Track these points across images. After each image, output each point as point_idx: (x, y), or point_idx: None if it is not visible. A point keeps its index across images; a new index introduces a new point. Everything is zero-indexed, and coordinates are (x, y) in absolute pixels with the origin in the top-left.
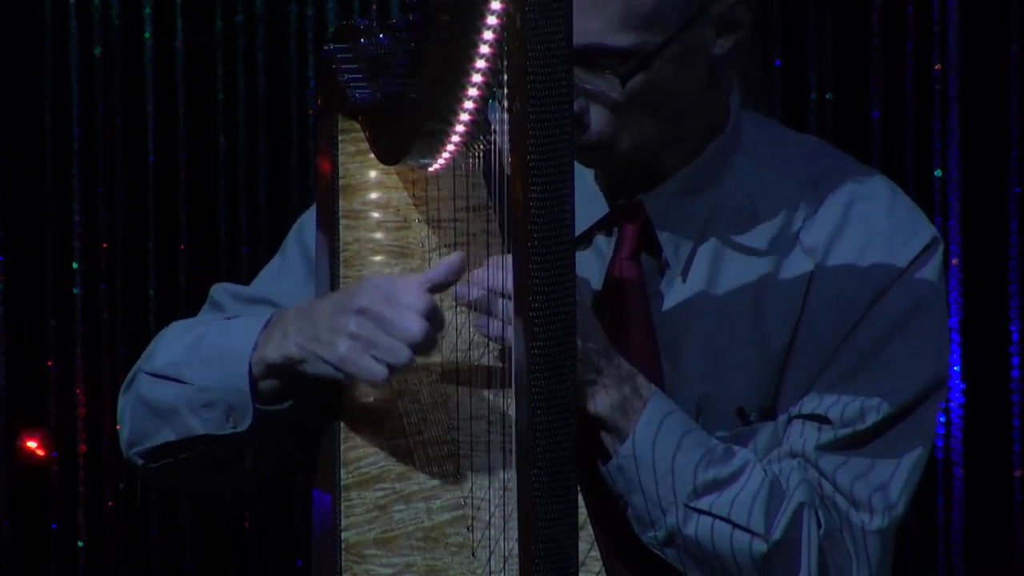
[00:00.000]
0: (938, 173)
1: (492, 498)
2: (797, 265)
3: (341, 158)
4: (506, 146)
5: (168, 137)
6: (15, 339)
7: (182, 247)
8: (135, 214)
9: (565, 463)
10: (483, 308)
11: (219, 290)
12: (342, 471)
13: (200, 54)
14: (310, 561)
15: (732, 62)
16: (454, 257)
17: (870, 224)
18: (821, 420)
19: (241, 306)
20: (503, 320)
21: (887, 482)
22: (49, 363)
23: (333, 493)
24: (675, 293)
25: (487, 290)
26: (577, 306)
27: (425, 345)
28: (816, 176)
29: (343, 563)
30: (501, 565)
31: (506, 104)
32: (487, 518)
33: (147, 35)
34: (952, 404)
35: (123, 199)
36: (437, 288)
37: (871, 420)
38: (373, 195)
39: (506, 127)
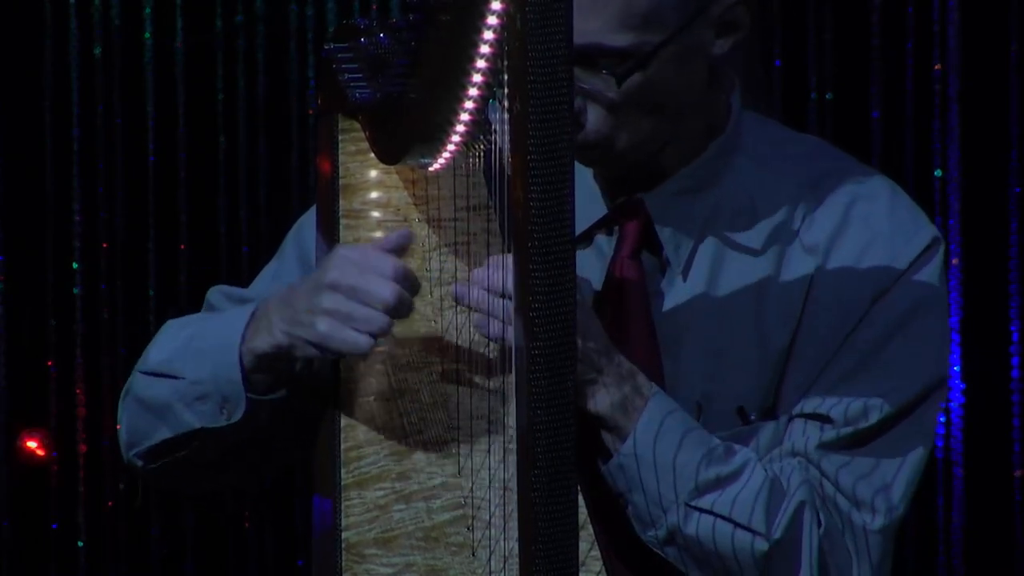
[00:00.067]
0: (938, 173)
1: (492, 498)
2: (797, 265)
3: (341, 158)
4: (506, 146)
5: (168, 137)
6: (15, 339)
7: (182, 247)
8: (135, 214)
9: (565, 463)
10: (483, 308)
11: (215, 292)
12: (342, 471)
13: (200, 54)
14: (310, 561)
15: (732, 62)
16: (404, 229)
17: (871, 224)
18: (823, 419)
19: (236, 308)
20: (503, 320)
21: (889, 482)
22: (49, 363)
23: (333, 493)
24: (676, 292)
25: (487, 290)
26: (577, 305)
27: (400, 308)
28: (816, 176)
29: (343, 563)
30: (501, 565)
31: (506, 104)
32: (487, 518)
33: (147, 35)
34: (952, 404)
35: (123, 199)
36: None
37: (874, 419)
38: (373, 195)
39: (506, 127)
